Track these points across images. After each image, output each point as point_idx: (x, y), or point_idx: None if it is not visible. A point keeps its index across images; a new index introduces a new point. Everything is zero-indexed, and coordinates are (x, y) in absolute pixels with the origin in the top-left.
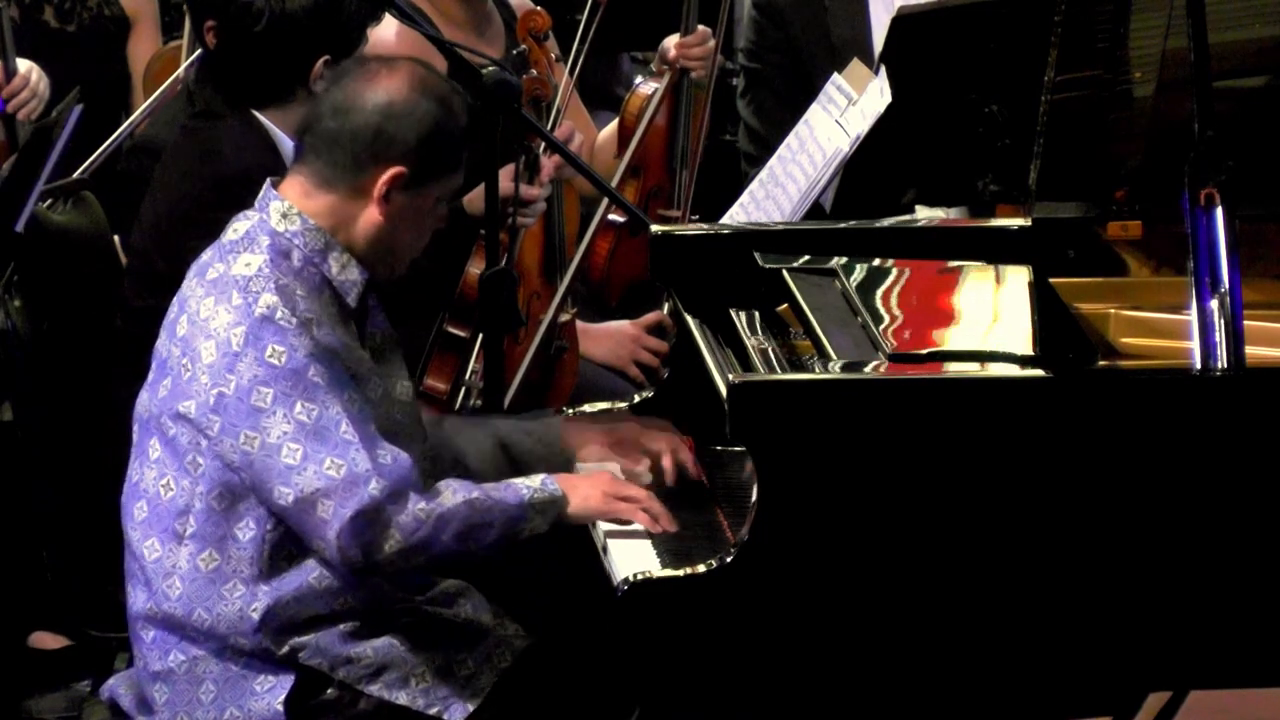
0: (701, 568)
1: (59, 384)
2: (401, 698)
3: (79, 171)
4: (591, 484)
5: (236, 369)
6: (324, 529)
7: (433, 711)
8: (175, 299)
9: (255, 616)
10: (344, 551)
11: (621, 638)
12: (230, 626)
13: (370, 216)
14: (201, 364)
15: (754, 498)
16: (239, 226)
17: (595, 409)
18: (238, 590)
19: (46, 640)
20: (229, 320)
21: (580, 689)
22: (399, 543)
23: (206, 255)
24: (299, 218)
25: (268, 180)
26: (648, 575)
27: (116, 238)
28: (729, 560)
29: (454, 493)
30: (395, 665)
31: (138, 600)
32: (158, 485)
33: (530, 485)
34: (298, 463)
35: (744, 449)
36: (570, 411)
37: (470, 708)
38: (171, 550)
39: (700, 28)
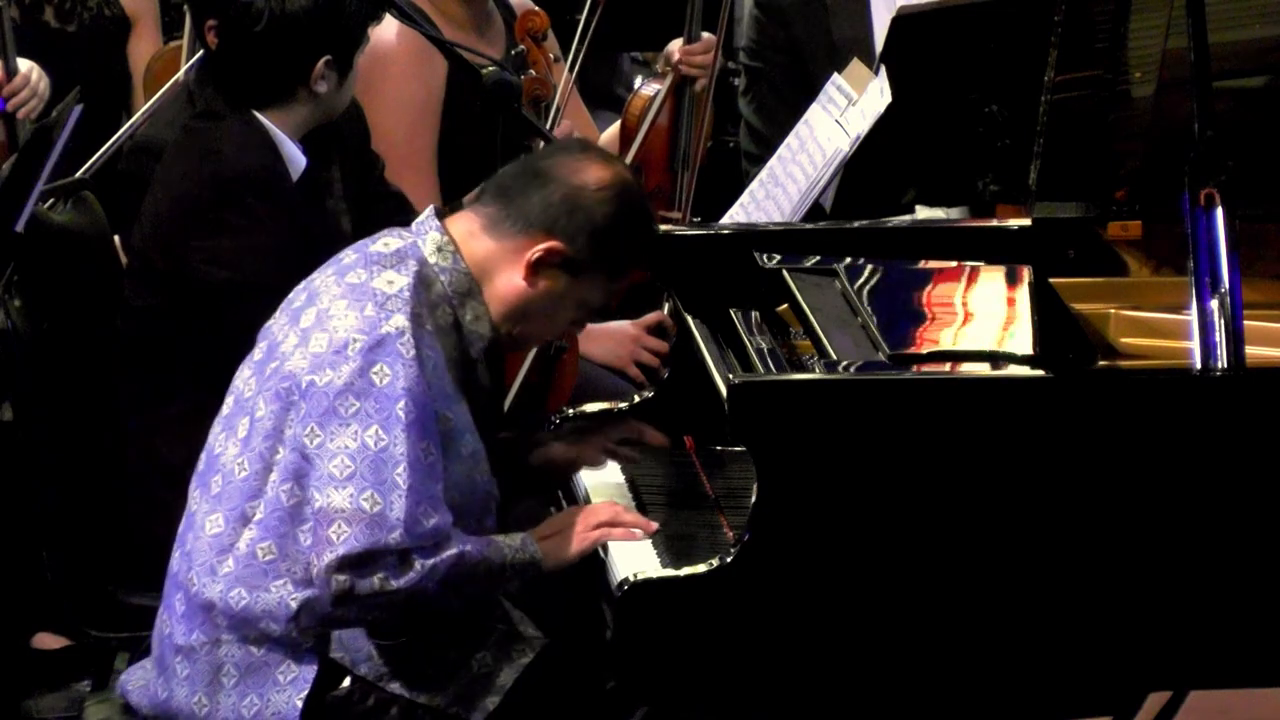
0: (701, 568)
1: (59, 384)
2: (422, 696)
3: (79, 171)
4: (561, 532)
5: (340, 368)
6: (325, 549)
7: (453, 710)
8: (304, 286)
9: (293, 606)
10: (331, 573)
11: (621, 637)
12: (265, 611)
13: (515, 279)
14: (308, 349)
15: (754, 497)
16: (390, 242)
17: (595, 409)
18: (286, 587)
19: (47, 641)
20: (355, 325)
21: (599, 686)
22: (384, 582)
23: (350, 257)
24: (453, 255)
25: (431, 207)
26: (647, 575)
27: (116, 238)
28: (729, 560)
29: (450, 541)
30: (415, 663)
31: (180, 569)
32: (235, 463)
33: (511, 545)
34: (341, 478)
35: (744, 449)
36: (570, 411)
37: (490, 705)
38: (234, 529)
39: (706, 35)
